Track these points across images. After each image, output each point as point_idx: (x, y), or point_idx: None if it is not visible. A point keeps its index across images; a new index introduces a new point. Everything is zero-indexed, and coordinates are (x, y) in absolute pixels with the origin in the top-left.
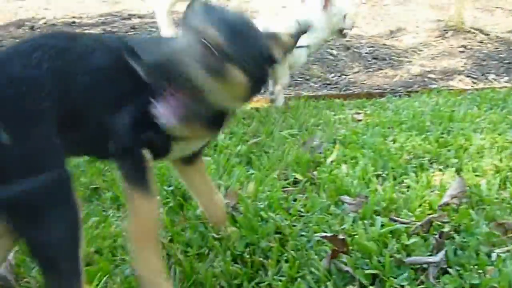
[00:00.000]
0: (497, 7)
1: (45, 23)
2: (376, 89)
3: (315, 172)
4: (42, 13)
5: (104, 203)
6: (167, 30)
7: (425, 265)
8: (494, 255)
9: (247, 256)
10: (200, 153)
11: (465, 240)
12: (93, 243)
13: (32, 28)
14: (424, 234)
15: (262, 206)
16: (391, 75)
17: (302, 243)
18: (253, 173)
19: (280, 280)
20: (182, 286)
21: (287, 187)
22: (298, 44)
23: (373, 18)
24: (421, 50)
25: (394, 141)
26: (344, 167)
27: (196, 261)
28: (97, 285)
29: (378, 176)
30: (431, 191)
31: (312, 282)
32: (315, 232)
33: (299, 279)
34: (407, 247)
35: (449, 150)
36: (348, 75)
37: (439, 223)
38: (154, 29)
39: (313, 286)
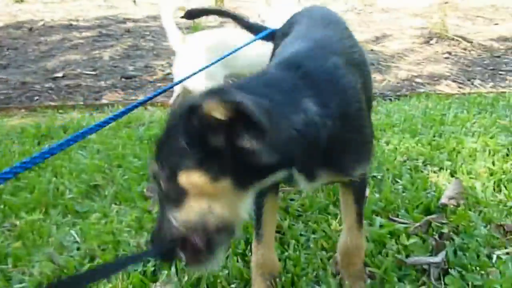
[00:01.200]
0: (477, 16)
1: (43, 25)
2: None
3: None
4: (40, 15)
5: (105, 199)
6: (172, 34)
7: (425, 266)
8: (494, 257)
9: (249, 255)
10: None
11: (464, 241)
12: (96, 239)
13: (30, 29)
14: (423, 235)
15: None
16: (379, 80)
17: (302, 242)
18: None
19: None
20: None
21: (283, 187)
22: None
23: (359, 25)
24: (407, 56)
25: (387, 143)
26: None
27: None
28: None
29: (373, 177)
30: (427, 193)
31: (315, 280)
32: (314, 231)
33: (304, 277)
34: (406, 247)
35: (442, 153)
36: None
37: (438, 224)
38: (147, 33)
39: (317, 284)
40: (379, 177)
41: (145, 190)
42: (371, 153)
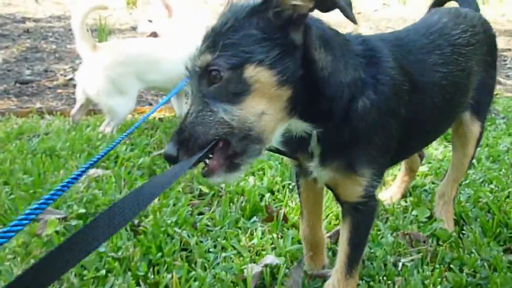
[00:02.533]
0: (388, 27)
1: None
2: None
3: (222, 185)
4: None
5: None
6: (82, 39)
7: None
8: (400, 265)
9: (152, 277)
10: None
11: (372, 250)
12: None
13: None
14: (332, 245)
15: (168, 221)
16: None
17: (210, 261)
18: None
19: None
20: None
21: (192, 200)
22: None
23: None
24: None
25: None
26: (251, 179)
27: (93, 285)
28: None
29: (285, 186)
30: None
31: None
32: (224, 248)
33: None
34: None
35: None
36: None
37: None
38: (50, 34)
39: None
40: (290, 187)
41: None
42: (383, 166)
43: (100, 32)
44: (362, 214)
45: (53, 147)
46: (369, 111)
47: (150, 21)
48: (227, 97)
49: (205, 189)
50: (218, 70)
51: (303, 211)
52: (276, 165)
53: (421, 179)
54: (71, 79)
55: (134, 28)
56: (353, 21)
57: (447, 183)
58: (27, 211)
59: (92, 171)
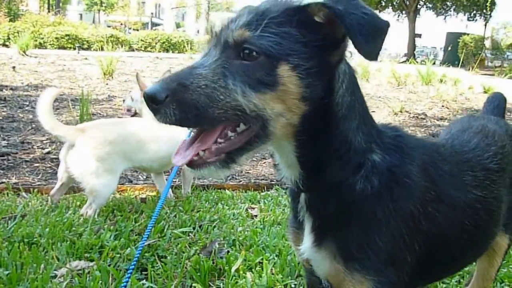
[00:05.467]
0: None
1: None
2: (263, 180)
3: (218, 282)
4: None
5: None
6: (63, 128)
7: None
8: None
9: None
10: None
11: None
12: None
13: None
14: None
15: None
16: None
17: None
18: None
19: None
20: None
21: None
22: None
23: None
24: None
25: None
26: (249, 275)
27: None
28: None
29: (286, 285)
30: None
31: None
32: None
33: None
34: None
35: None
36: None
37: None
38: (26, 103)
39: None
40: (292, 285)
41: None
42: (393, 283)
43: (83, 102)
44: None
45: (32, 233)
46: (368, 199)
47: (132, 99)
48: (251, 80)
49: (199, 287)
50: (256, 50)
51: None
52: (274, 259)
53: None
54: (49, 152)
55: (111, 98)
56: (365, 54)
57: None
58: None
59: (74, 264)
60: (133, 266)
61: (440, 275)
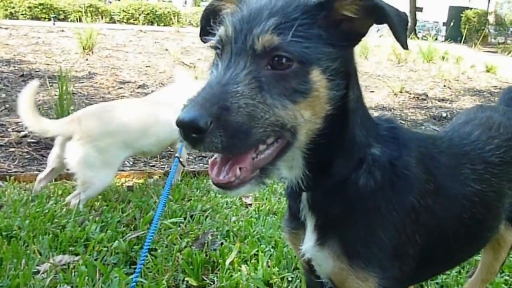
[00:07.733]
0: None
1: None
2: None
3: (212, 276)
4: None
5: None
6: (37, 128)
7: None
8: None
9: None
10: None
11: None
12: None
13: None
14: None
15: None
16: None
17: None
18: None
19: None
20: None
21: None
22: None
23: None
24: None
25: None
26: (244, 268)
27: None
28: None
29: (282, 279)
30: None
31: None
32: None
33: None
34: None
35: None
36: None
37: None
38: None
39: None
40: (289, 278)
41: None
42: (396, 279)
43: (62, 80)
44: None
45: (10, 226)
46: (372, 194)
47: None
48: (287, 90)
49: (192, 282)
50: (289, 58)
51: None
52: (270, 251)
53: None
54: (25, 135)
55: (91, 75)
56: (403, 44)
57: (475, 282)
58: None
59: (58, 258)
60: (139, 270)
61: (439, 269)
